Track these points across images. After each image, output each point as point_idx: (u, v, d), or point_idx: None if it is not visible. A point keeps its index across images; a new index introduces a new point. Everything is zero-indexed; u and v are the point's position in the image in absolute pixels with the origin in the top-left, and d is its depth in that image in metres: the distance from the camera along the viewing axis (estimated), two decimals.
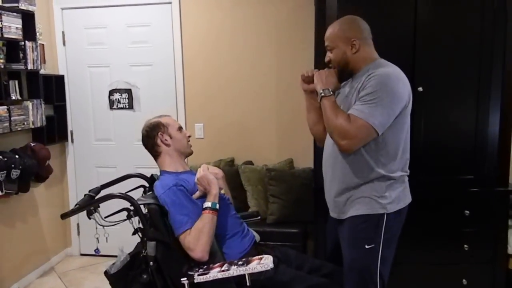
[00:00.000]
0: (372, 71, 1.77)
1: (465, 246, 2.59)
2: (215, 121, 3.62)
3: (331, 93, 1.85)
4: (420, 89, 2.49)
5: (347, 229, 1.88)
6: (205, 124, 3.64)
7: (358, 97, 1.77)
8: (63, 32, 3.76)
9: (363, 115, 1.71)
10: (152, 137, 2.05)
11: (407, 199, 1.91)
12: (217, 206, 1.84)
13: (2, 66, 3.01)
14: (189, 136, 2.13)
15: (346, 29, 1.86)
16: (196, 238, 1.77)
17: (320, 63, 2.01)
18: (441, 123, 2.55)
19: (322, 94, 1.84)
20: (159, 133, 2.04)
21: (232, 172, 3.34)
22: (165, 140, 2.04)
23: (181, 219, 1.81)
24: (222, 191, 2.09)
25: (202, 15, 3.54)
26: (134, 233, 1.89)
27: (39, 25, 3.46)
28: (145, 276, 1.77)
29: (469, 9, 2.47)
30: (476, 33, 2.47)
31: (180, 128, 2.10)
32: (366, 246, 1.81)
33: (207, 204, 1.84)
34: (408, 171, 1.93)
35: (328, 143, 1.95)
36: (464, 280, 2.61)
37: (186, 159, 2.15)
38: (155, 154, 2.07)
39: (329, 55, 1.92)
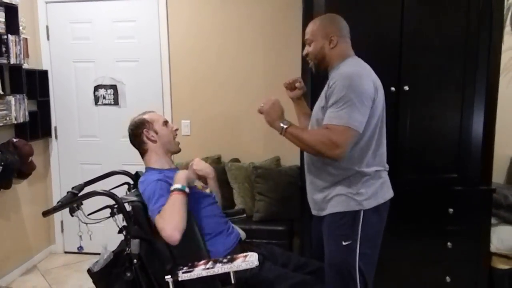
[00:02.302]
0: (336, 74, 1.82)
1: (449, 243, 2.62)
2: (202, 118, 3.60)
3: (290, 122, 1.86)
4: (406, 88, 2.51)
5: (326, 226, 1.91)
6: (191, 121, 3.62)
7: (329, 104, 1.78)
8: (47, 26, 3.70)
9: (342, 121, 1.73)
10: (138, 135, 2.03)
11: (387, 194, 1.92)
12: (186, 190, 1.79)
13: None
14: (176, 130, 2.11)
15: (327, 25, 1.92)
16: (165, 217, 1.70)
17: (306, 60, 2.03)
18: (426, 121, 2.57)
19: (285, 127, 1.84)
20: (144, 130, 2.02)
21: (218, 170, 3.32)
22: (151, 136, 2.02)
23: (156, 207, 1.77)
24: (208, 190, 2.08)
25: (189, 10, 3.51)
26: (119, 232, 1.87)
27: (23, 19, 3.40)
28: (128, 274, 1.75)
29: (455, 9, 2.49)
30: (462, 33, 2.49)
31: (165, 122, 2.08)
32: (343, 243, 1.82)
33: (175, 186, 1.79)
34: (387, 166, 1.95)
35: None
36: (447, 278, 2.64)
37: (172, 156, 2.13)
38: (142, 151, 2.05)
39: (307, 49, 1.97)
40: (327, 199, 1.89)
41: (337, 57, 1.90)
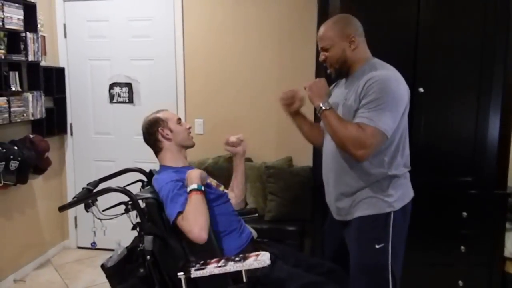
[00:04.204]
0: (370, 76, 1.75)
1: (462, 247, 2.59)
2: (215, 117, 3.61)
3: (330, 105, 1.81)
4: (421, 89, 2.49)
5: (354, 230, 1.87)
6: (205, 120, 3.63)
7: (361, 104, 1.74)
8: (64, 24, 3.75)
9: (373, 123, 1.69)
10: (152, 133, 2.04)
11: (411, 193, 1.92)
12: (202, 188, 1.81)
13: (3, 57, 3.00)
14: (190, 128, 2.12)
15: (343, 26, 1.84)
16: (190, 219, 1.72)
17: (324, 66, 2.00)
18: (441, 124, 2.55)
19: (323, 108, 1.80)
20: (159, 129, 2.03)
21: (231, 169, 3.29)
22: (166, 134, 2.03)
23: (174, 206, 1.78)
24: (221, 188, 2.09)
25: (204, 10, 3.53)
26: (133, 228, 1.89)
27: (41, 17, 3.45)
28: (142, 270, 1.76)
29: (472, 10, 2.46)
30: (478, 34, 2.47)
31: (179, 120, 2.09)
32: (376, 246, 1.80)
33: (192, 186, 1.80)
34: (410, 166, 1.93)
35: (329, 147, 1.93)
36: (460, 282, 2.62)
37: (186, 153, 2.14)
38: (157, 149, 2.06)
39: (324, 54, 1.89)
40: (355, 203, 1.85)
41: (359, 60, 1.85)
